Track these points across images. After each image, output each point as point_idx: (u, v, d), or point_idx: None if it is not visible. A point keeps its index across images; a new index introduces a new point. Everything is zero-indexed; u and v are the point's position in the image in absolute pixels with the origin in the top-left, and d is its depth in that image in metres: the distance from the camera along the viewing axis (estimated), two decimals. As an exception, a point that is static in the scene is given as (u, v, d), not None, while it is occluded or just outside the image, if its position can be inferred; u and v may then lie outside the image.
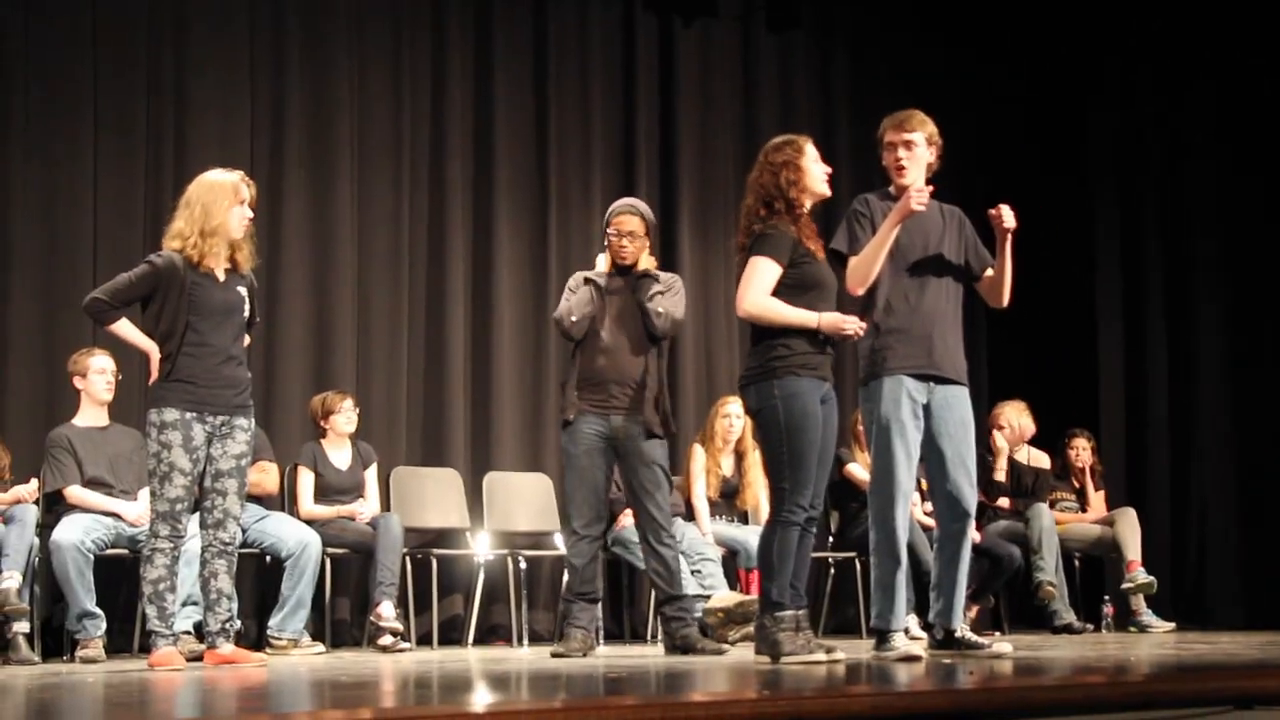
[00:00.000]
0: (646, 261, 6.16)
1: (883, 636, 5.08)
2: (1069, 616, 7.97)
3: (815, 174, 5.14)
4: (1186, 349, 9.05)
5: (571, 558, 6.03)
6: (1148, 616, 8.07)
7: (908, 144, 5.23)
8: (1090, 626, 8.04)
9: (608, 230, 6.17)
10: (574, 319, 6.02)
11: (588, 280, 6.09)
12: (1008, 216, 5.21)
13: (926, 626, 5.43)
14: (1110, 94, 9.42)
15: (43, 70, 7.28)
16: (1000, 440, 8.30)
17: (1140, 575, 7.95)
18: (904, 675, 4.25)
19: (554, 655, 5.86)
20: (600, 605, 6.55)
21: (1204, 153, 9.03)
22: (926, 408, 5.12)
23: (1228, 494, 8.80)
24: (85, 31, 7.40)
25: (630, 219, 6.13)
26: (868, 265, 5.08)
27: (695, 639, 5.94)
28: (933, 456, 5.16)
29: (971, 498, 5.18)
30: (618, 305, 6.07)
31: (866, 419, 5.19)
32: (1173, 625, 8.09)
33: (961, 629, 5.24)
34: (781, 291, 5.02)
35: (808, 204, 5.14)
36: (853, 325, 4.99)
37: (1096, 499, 8.56)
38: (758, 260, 5.02)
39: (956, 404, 5.17)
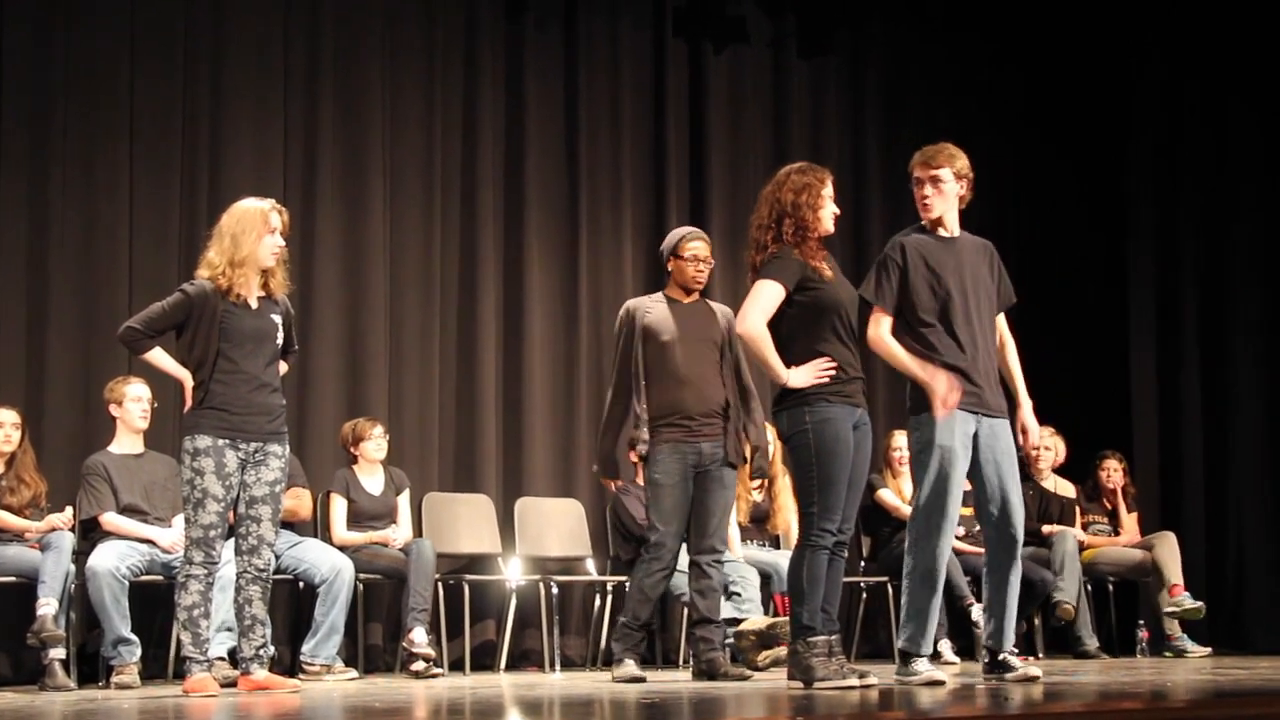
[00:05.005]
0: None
1: (907, 659, 5.07)
2: (1091, 643, 7.94)
3: (829, 209, 5.16)
4: (1221, 371, 9.00)
5: (647, 588, 5.92)
6: (1183, 641, 8.01)
7: (934, 180, 5.23)
8: (1105, 655, 7.96)
9: (680, 256, 6.12)
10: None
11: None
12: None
13: (960, 651, 5.43)
14: (1147, 118, 9.40)
15: (79, 102, 7.35)
16: (1042, 461, 8.30)
17: (1186, 600, 7.88)
18: (930, 699, 4.24)
19: (634, 680, 5.78)
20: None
21: (1241, 176, 9.01)
22: (975, 438, 5.14)
23: (1265, 516, 8.74)
24: (121, 63, 7.47)
25: (704, 245, 6.16)
26: (888, 359, 5.17)
27: (720, 664, 5.92)
28: (983, 485, 5.18)
29: (1021, 523, 5.21)
30: (692, 335, 6.04)
31: (916, 447, 5.17)
32: (1209, 650, 8.02)
33: (1007, 652, 5.23)
34: (796, 317, 5.03)
35: (817, 231, 5.14)
36: (821, 369, 4.98)
37: (1129, 521, 8.51)
38: (762, 283, 5.03)
39: (1002, 434, 5.21)
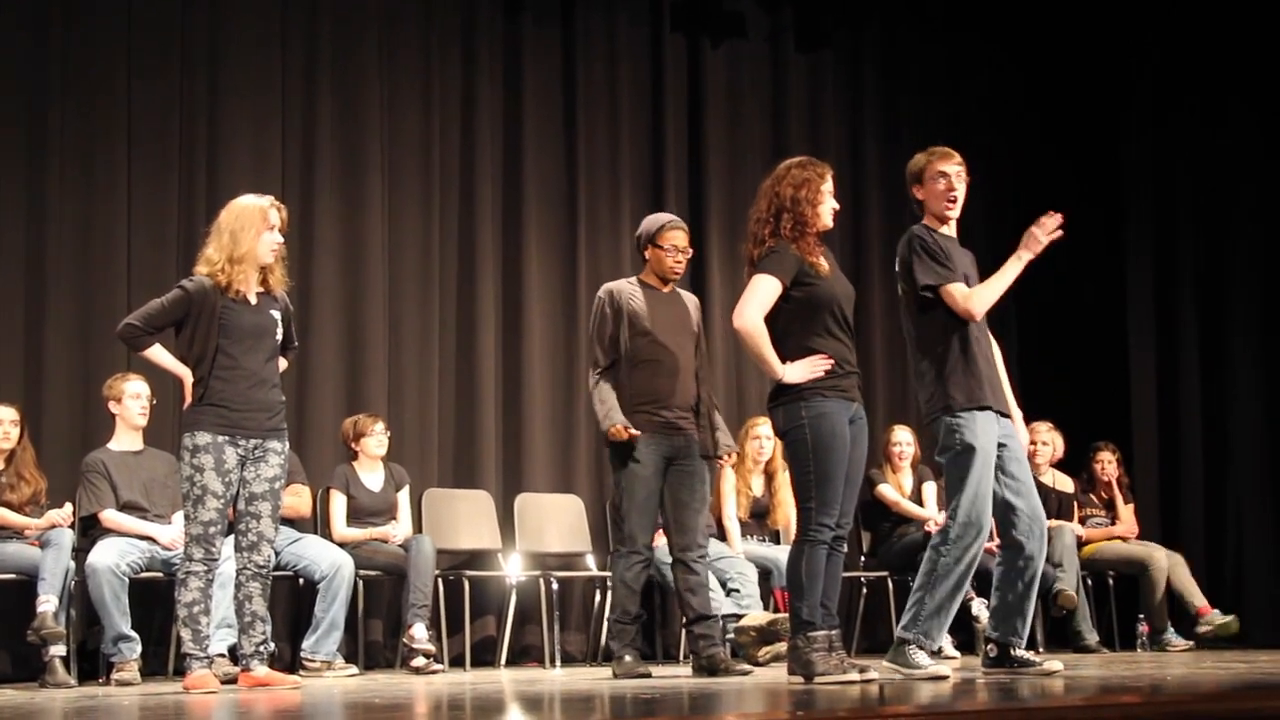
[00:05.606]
0: None
1: (906, 647, 5.05)
2: (1091, 637, 7.96)
3: (828, 204, 5.14)
4: (1220, 371, 8.99)
5: (629, 581, 5.95)
6: (1171, 635, 8.04)
7: (959, 176, 5.25)
8: (1105, 649, 7.98)
9: (659, 245, 6.08)
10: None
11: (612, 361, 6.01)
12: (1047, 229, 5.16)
13: (960, 646, 5.42)
14: (1144, 112, 9.40)
15: (77, 99, 7.35)
16: (1040, 456, 8.31)
17: (1216, 616, 7.91)
18: (932, 694, 4.25)
19: (637, 675, 5.80)
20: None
21: (1240, 176, 9.00)
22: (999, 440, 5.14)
23: (1264, 516, 8.74)
24: (119, 62, 7.47)
25: (684, 235, 6.13)
26: (1001, 286, 5.13)
27: (721, 659, 5.91)
28: (1012, 484, 5.15)
29: (1045, 521, 5.20)
30: (671, 325, 6.03)
31: (955, 449, 5.07)
32: (1191, 644, 8.01)
33: (1016, 647, 5.23)
34: (792, 312, 5.01)
35: (815, 227, 5.13)
36: (817, 364, 4.97)
37: (1126, 511, 8.54)
38: (759, 278, 5.02)
39: (1013, 431, 5.22)
